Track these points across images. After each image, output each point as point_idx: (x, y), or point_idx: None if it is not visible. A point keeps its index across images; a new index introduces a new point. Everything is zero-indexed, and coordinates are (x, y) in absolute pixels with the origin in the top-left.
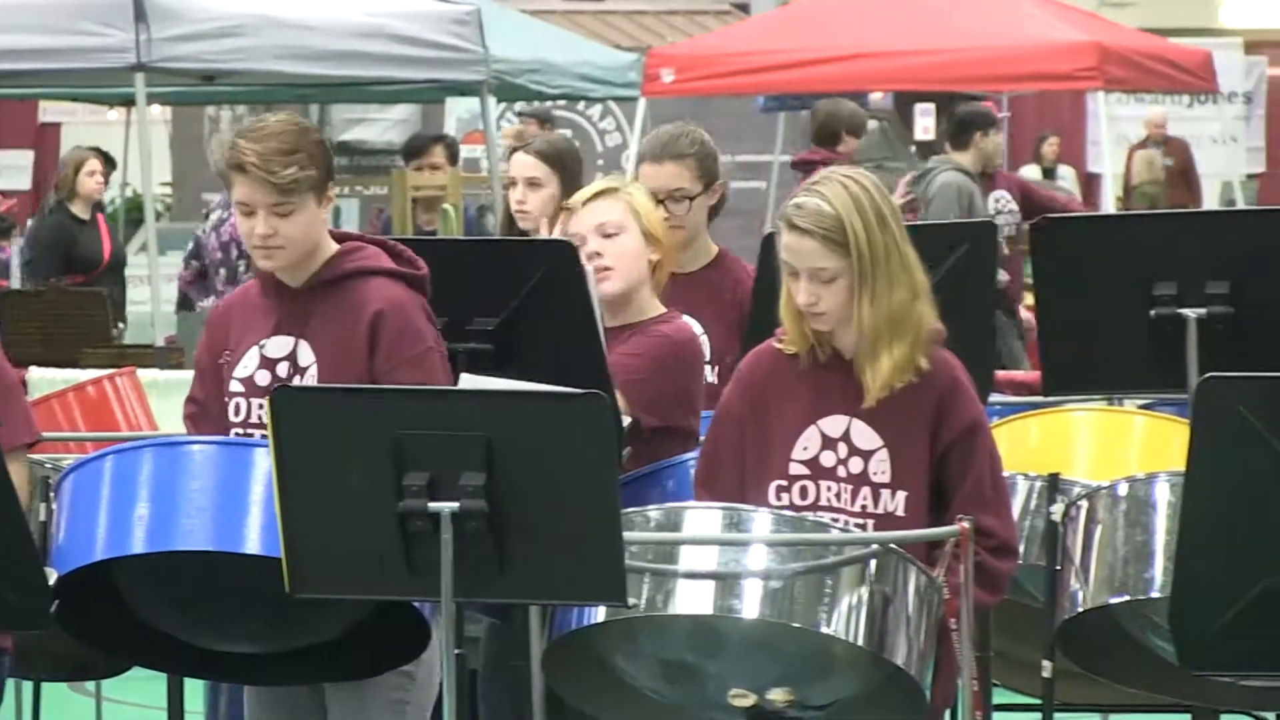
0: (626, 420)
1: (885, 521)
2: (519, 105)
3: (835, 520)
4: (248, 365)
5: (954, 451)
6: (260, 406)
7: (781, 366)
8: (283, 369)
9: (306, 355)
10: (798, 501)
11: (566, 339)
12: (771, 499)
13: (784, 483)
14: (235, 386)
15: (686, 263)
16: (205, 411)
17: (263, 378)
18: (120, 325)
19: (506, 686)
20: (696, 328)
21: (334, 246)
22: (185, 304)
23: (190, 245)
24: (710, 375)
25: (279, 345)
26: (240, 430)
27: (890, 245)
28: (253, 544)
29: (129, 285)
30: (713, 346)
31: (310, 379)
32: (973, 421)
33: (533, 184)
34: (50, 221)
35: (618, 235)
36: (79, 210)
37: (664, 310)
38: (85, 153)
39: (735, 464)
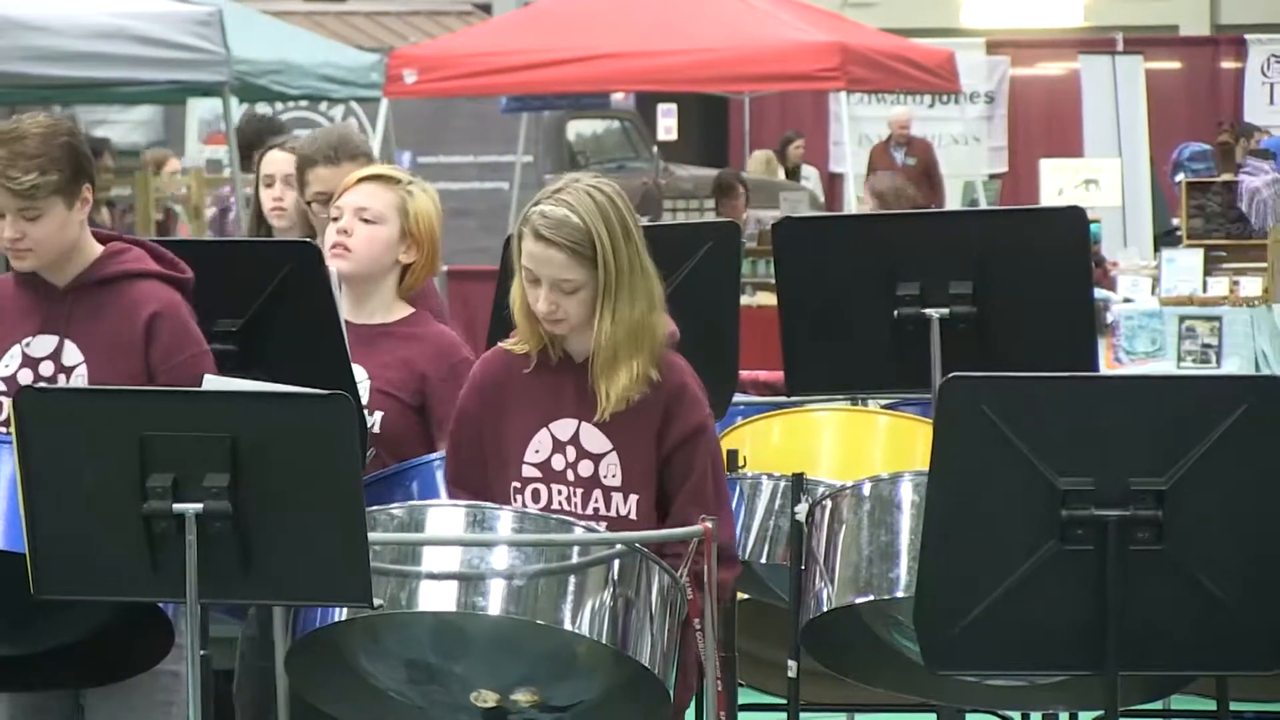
0: (371, 420)
1: (618, 524)
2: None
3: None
4: (9, 364)
5: (677, 455)
6: None
7: (513, 369)
8: (46, 368)
9: (73, 355)
10: (530, 504)
11: (310, 340)
12: (507, 501)
13: (518, 484)
14: None
15: None
16: None
17: (25, 376)
18: None
19: (258, 688)
20: None
21: (98, 247)
22: None
23: None
24: None
25: (43, 344)
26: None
27: (633, 257)
28: None
29: None
30: None
31: (79, 379)
32: (697, 425)
33: (290, 183)
34: None
35: (373, 224)
36: None
37: (411, 311)
38: None
39: (480, 462)
